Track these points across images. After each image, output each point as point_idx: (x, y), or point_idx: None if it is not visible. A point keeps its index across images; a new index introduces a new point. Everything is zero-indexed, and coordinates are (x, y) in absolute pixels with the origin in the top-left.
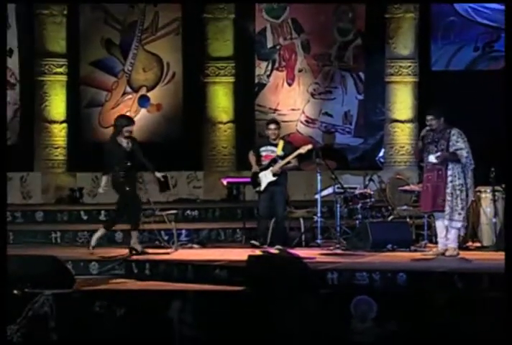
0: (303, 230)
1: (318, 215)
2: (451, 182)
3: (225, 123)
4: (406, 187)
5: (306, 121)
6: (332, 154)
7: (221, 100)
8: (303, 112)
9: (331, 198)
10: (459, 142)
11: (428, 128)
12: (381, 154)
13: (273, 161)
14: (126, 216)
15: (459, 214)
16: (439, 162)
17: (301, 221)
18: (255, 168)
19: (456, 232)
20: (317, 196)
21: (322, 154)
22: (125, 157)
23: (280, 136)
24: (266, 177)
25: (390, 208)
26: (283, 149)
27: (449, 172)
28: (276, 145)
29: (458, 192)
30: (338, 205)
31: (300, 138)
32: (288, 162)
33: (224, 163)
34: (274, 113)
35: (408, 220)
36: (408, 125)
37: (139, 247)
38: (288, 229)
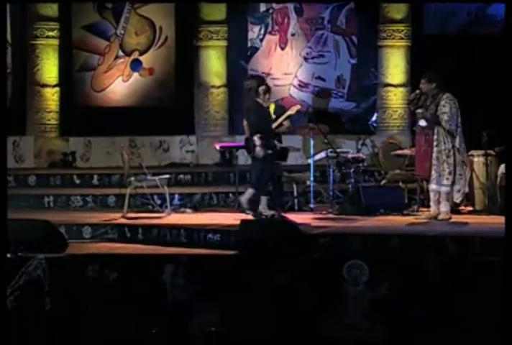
0: (295, 194)
1: (311, 179)
2: (436, 146)
3: (218, 88)
4: (399, 152)
5: (299, 85)
6: (325, 117)
7: (214, 65)
8: (296, 76)
9: (324, 163)
10: (445, 107)
11: (417, 91)
12: (374, 118)
13: None
14: (256, 180)
15: (447, 179)
16: (420, 120)
17: (294, 185)
18: (248, 133)
19: (447, 196)
20: (310, 160)
21: (315, 118)
22: (269, 116)
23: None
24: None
25: (382, 172)
26: (274, 112)
27: (435, 137)
28: (268, 108)
29: (444, 156)
30: (331, 170)
31: (293, 102)
32: (280, 125)
33: (217, 127)
34: (267, 77)
35: (400, 184)
36: (401, 89)
37: (268, 212)
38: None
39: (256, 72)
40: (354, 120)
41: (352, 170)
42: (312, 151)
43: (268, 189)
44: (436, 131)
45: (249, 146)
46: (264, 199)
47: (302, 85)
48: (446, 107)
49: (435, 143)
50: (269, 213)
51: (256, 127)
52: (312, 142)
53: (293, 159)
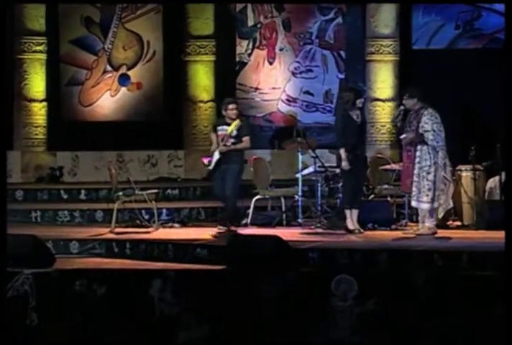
0: (284, 209)
1: (299, 194)
2: (418, 163)
3: (206, 102)
4: (387, 167)
5: (287, 100)
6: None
7: (202, 79)
8: (284, 91)
9: (312, 177)
10: (427, 124)
11: (401, 107)
12: None
13: (222, 140)
14: (346, 193)
15: (427, 195)
16: (407, 143)
17: (282, 200)
18: (213, 147)
19: (429, 212)
20: (298, 175)
21: (303, 133)
22: (357, 129)
23: (238, 115)
24: (215, 156)
25: (371, 187)
26: (238, 129)
27: (417, 154)
28: (230, 124)
29: (424, 173)
30: (319, 184)
31: (282, 117)
32: (236, 142)
33: (205, 142)
34: (255, 91)
35: (389, 199)
36: (389, 104)
37: (356, 226)
38: (270, 208)
39: (244, 87)
40: None
41: (340, 185)
42: (300, 166)
43: (358, 201)
44: (418, 147)
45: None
46: (355, 213)
47: (290, 100)
48: (428, 124)
49: (417, 159)
50: (357, 227)
51: (342, 140)
52: (300, 157)
53: (281, 173)
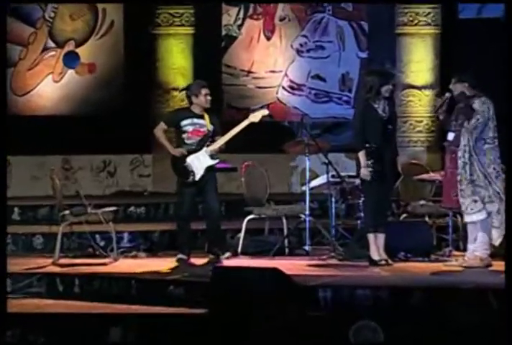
0: (286, 233)
1: (307, 213)
2: (463, 168)
3: (182, 91)
4: (424, 176)
5: (290, 87)
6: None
7: (177, 59)
8: (287, 75)
9: (323, 190)
10: (480, 117)
11: (447, 95)
12: None
13: (204, 138)
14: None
15: (475, 202)
16: (454, 143)
17: (284, 220)
18: (179, 150)
19: (477, 231)
20: (305, 188)
21: (311, 132)
22: (382, 124)
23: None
24: (201, 161)
25: (402, 203)
26: (211, 123)
27: (460, 154)
28: (202, 117)
29: (475, 177)
30: (333, 200)
31: (283, 109)
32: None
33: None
34: (247, 76)
35: (426, 219)
36: (427, 92)
37: (383, 256)
38: (267, 232)
39: (233, 70)
40: None
41: (361, 201)
42: (308, 175)
43: (385, 223)
44: (463, 145)
45: (181, 169)
46: (381, 238)
47: (294, 87)
48: (481, 117)
49: (461, 161)
50: (383, 257)
51: (363, 141)
52: (308, 163)
53: (281, 185)
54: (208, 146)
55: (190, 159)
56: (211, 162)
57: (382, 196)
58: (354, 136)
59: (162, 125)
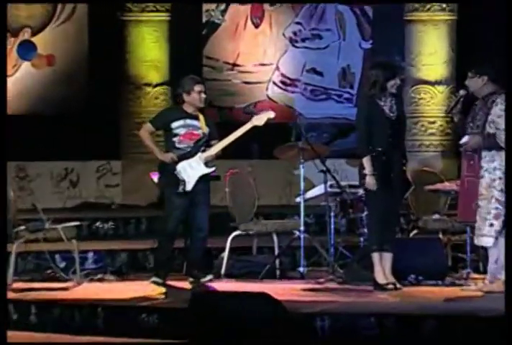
0: (277, 252)
1: (301, 228)
2: (482, 177)
3: (155, 86)
4: (438, 186)
5: (282, 83)
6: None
7: (150, 50)
8: (278, 68)
9: (321, 203)
10: (502, 118)
11: (461, 92)
12: None
13: (199, 143)
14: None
15: (491, 225)
16: (469, 148)
17: (274, 237)
18: (169, 155)
19: (497, 253)
20: (299, 199)
21: (307, 134)
22: (389, 126)
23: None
24: (194, 169)
25: (412, 217)
26: (206, 125)
27: (484, 163)
28: (197, 118)
29: (495, 191)
30: (332, 214)
31: (273, 108)
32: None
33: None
34: (232, 70)
35: (441, 236)
36: (441, 88)
37: (383, 278)
38: (255, 251)
39: (215, 63)
40: None
41: (364, 214)
42: (303, 185)
43: (392, 240)
44: (485, 153)
45: (170, 177)
46: (387, 258)
47: (287, 83)
48: (503, 118)
49: (483, 171)
50: (391, 280)
51: (366, 144)
52: (302, 171)
53: (272, 196)
54: (203, 151)
55: (182, 166)
56: (206, 171)
57: (389, 209)
58: (356, 139)
59: (149, 126)
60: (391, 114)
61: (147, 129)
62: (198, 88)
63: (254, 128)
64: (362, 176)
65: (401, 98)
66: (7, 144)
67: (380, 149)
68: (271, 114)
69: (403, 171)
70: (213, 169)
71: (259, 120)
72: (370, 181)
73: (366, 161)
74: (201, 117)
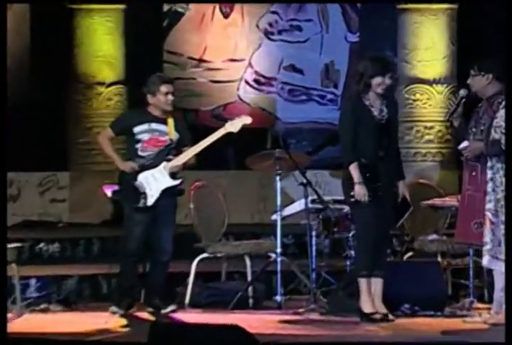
0: (250, 278)
1: (278, 250)
2: (492, 191)
3: (109, 86)
4: (436, 201)
5: (256, 82)
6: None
7: (102, 44)
8: (251, 65)
9: (301, 221)
10: (504, 120)
11: (462, 92)
12: None
13: (165, 150)
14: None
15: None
16: (471, 156)
17: (247, 260)
18: (128, 164)
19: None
20: (275, 217)
21: (284, 142)
22: (377, 131)
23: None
24: (157, 181)
25: (407, 238)
26: (176, 130)
27: (490, 175)
28: (164, 122)
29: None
30: (313, 233)
31: (246, 111)
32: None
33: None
34: (198, 66)
35: (439, 259)
36: (440, 88)
37: (370, 307)
38: (224, 276)
39: (178, 58)
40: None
41: (351, 234)
42: (279, 200)
43: (382, 263)
44: (491, 164)
45: (130, 190)
46: (377, 285)
47: (261, 82)
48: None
49: (489, 185)
50: (381, 310)
51: (351, 151)
52: (279, 184)
53: (244, 213)
54: (168, 160)
55: (143, 177)
56: (171, 183)
57: (380, 228)
58: (340, 146)
59: (109, 131)
60: (380, 116)
61: (107, 135)
62: (164, 88)
63: (226, 135)
64: (348, 188)
65: (393, 100)
66: None
67: (366, 157)
68: (247, 120)
69: (394, 185)
70: (179, 181)
71: (234, 126)
72: (360, 190)
73: (353, 168)
74: (170, 121)
